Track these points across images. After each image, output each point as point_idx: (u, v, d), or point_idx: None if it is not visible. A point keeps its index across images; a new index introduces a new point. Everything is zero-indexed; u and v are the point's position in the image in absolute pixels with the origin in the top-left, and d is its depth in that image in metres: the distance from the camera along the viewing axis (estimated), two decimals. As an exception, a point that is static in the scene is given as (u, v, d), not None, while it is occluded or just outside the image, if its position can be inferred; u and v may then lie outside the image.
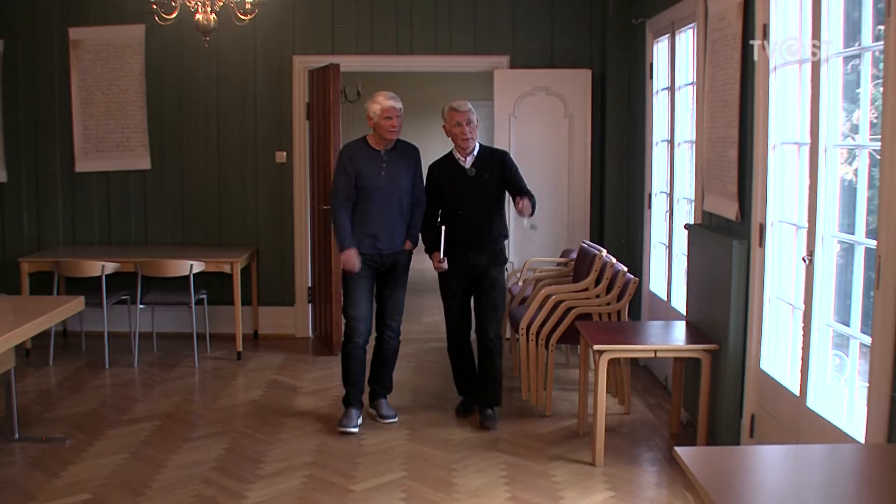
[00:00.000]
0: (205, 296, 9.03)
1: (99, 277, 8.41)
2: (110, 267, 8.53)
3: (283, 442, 6.53)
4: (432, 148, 8.81)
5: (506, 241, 7.07)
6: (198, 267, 8.61)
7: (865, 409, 4.28)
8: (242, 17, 7.96)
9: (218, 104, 9.61)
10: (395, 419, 6.94)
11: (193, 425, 6.91)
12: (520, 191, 6.81)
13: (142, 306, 8.77)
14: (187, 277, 8.54)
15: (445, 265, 6.75)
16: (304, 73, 9.55)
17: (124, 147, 9.54)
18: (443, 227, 6.71)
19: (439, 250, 6.70)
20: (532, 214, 6.80)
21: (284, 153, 9.60)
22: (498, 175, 6.81)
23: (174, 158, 9.65)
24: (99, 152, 9.55)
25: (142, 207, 9.69)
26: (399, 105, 6.70)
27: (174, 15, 7.74)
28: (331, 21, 9.49)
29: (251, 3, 7.87)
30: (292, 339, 9.64)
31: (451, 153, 6.91)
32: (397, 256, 6.87)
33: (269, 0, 8.91)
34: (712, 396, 6.09)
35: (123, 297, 8.94)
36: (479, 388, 6.98)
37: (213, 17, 7.70)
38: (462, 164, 6.82)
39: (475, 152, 6.84)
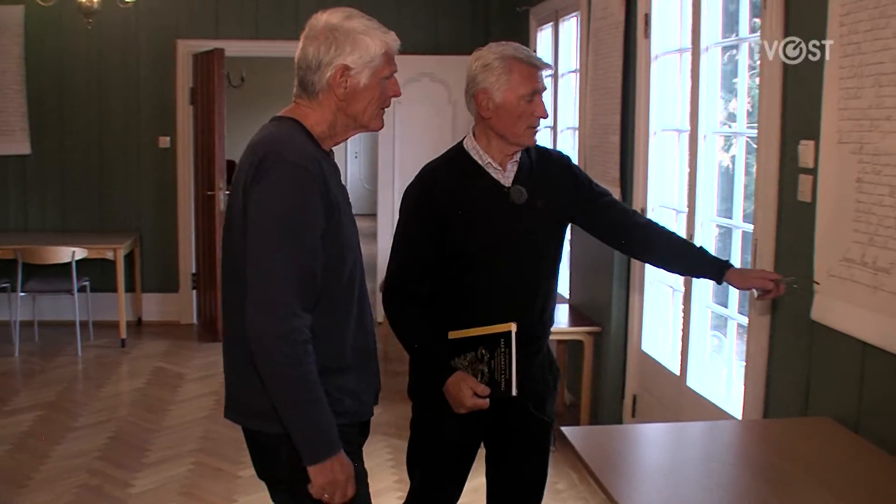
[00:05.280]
0: (87, 283, 8.85)
1: (-24, 265, 8.20)
2: (-12, 254, 8.31)
3: (170, 429, 6.47)
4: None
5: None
6: (80, 253, 8.43)
7: (742, 387, 4.43)
8: (126, -1, 7.85)
9: (99, 88, 9.40)
10: None
11: (77, 415, 6.80)
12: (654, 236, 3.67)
13: (22, 294, 8.56)
14: (69, 264, 8.34)
15: (487, 402, 3.30)
16: (187, 57, 9.41)
17: (2, 132, 9.25)
18: (512, 328, 3.19)
19: (507, 374, 3.23)
20: None
21: (168, 138, 9.46)
22: (566, 201, 3.50)
23: (54, 143, 9.41)
24: (-25, 137, 9.29)
25: (21, 193, 9.44)
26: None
27: (57, -4, 7.59)
28: (215, 4, 9.39)
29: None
30: (177, 325, 9.52)
31: (462, 152, 3.58)
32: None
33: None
34: (595, 378, 6.22)
35: (3, 285, 8.70)
36: None
37: (96, -2, 7.58)
38: (499, 178, 3.43)
39: (517, 157, 3.46)
